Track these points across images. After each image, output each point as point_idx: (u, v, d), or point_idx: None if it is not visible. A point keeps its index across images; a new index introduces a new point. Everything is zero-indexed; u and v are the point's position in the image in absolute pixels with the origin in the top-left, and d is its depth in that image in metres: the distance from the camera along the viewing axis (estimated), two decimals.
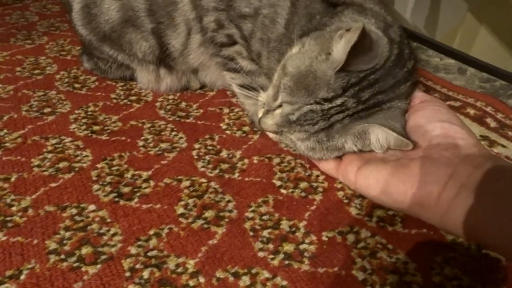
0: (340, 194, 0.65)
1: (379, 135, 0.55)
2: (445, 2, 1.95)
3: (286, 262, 0.53)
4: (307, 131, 0.57)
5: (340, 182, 0.66)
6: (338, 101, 0.53)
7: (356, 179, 0.55)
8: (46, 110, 0.81)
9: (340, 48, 0.51)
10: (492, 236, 0.41)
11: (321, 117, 0.55)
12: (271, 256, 0.53)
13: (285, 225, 0.58)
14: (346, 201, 0.64)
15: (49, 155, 0.69)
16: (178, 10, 0.75)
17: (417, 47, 1.27)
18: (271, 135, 0.65)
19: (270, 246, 0.55)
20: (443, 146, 0.50)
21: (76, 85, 0.91)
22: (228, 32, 0.73)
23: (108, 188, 0.63)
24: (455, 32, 2.22)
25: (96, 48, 0.85)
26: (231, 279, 0.50)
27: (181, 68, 0.85)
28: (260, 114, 0.63)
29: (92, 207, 0.60)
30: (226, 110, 0.86)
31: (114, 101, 0.87)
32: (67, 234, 0.55)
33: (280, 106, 0.59)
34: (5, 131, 0.75)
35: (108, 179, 0.65)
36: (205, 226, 0.58)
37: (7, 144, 0.71)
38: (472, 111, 0.90)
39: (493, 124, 0.86)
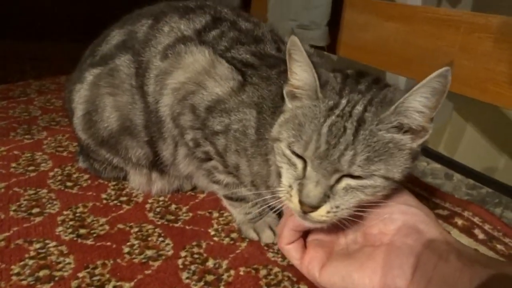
0: None
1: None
2: None
3: None
4: (347, 143, 0.49)
5: None
6: (343, 101, 0.52)
7: (321, 277, 0.53)
8: (35, 210, 0.81)
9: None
10: None
11: (343, 120, 0.50)
12: None
13: None
14: None
15: (31, 262, 0.68)
16: (165, 127, 0.80)
17: None
18: (321, 214, 0.51)
19: None
20: (404, 231, 0.50)
21: (68, 184, 0.92)
22: (204, 150, 0.77)
23: None
24: (443, 130, 2.33)
25: (93, 151, 0.88)
26: None
27: (174, 173, 0.88)
28: (295, 199, 0.52)
29: None
30: (215, 214, 0.86)
31: (104, 201, 0.87)
32: None
33: (304, 167, 0.53)
34: None
35: None
36: None
37: None
38: (460, 221, 0.91)
39: (481, 236, 0.86)
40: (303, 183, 0.51)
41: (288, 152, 0.54)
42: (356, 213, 0.53)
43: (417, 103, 0.50)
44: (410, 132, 0.52)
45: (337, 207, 0.51)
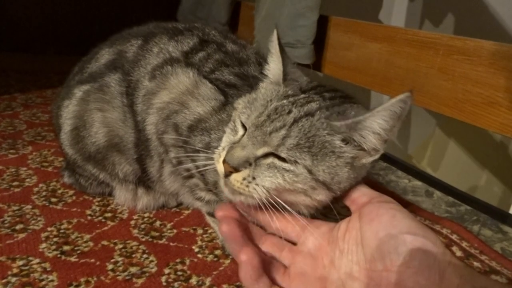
0: None
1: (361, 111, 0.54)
2: (415, 116, 2.12)
3: None
4: (284, 123, 0.51)
5: None
6: (302, 96, 0.55)
7: None
8: (18, 226, 0.81)
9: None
10: None
11: (292, 105, 0.53)
12: None
13: None
14: None
15: (13, 279, 0.67)
16: (151, 145, 0.82)
17: (387, 168, 1.34)
18: (237, 179, 0.53)
19: None
20: (413, 268, 0.46)
21: (53, 199, 0.92)
22: (186, 167, 0.79)
23: None
24: (427, 145, 2.38)
25: (80, 166, 0.89)
26: None
27: (160, 190, 0.89)
28: (221, 159, 0.55)
29: None
30: (200, 231, 0.87)
31: (89, 218, 0.87)
32: None
33: (243, 135, 0.56)
34: None
35: None
36: None
37: None
38: None
39: (458, 253, 0.89)
40: (233, 146, 0.54)
41: (238, 120, 0.58)
42: (273, 203, 0.54)
43: (375, 124, 0.52)
44: (358, 147, 0.54)
45: (253, 178, 0.53)
